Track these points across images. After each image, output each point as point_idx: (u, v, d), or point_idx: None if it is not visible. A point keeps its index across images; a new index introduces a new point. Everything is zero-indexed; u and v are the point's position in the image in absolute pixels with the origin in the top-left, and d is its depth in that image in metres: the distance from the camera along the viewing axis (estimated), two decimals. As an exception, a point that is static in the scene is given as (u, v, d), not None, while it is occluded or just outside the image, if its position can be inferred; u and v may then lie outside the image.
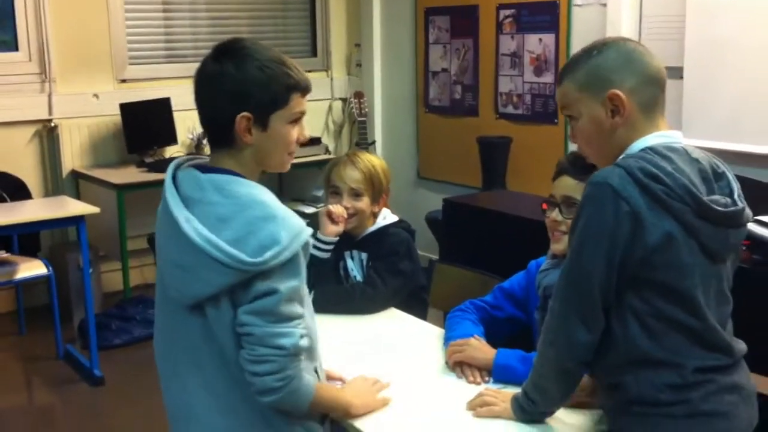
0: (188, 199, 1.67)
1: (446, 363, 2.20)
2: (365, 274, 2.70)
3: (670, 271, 1.61)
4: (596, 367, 1.76)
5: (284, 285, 1.63)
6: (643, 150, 1.65)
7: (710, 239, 1.63)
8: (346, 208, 2.68)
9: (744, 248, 3.01)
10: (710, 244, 1.63)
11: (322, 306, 2.56)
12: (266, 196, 1.68)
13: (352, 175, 2.70)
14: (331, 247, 2.66)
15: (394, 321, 2.57)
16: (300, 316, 1.68)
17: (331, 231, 2.65)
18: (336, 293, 2.62)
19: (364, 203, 2.70)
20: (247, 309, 1.63)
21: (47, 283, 4.41)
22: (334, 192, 2.72)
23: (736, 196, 1.68)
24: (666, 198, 1.58)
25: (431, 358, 2.26)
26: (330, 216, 2.65)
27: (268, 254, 1.60)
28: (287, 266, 1.63)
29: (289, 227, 1.64)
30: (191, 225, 1.63)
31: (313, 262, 2.60)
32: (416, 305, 2.72)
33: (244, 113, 1.67)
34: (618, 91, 1.67)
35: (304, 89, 1.74)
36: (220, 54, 1.69)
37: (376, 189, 2.72)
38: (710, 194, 1.65)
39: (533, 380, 1.79)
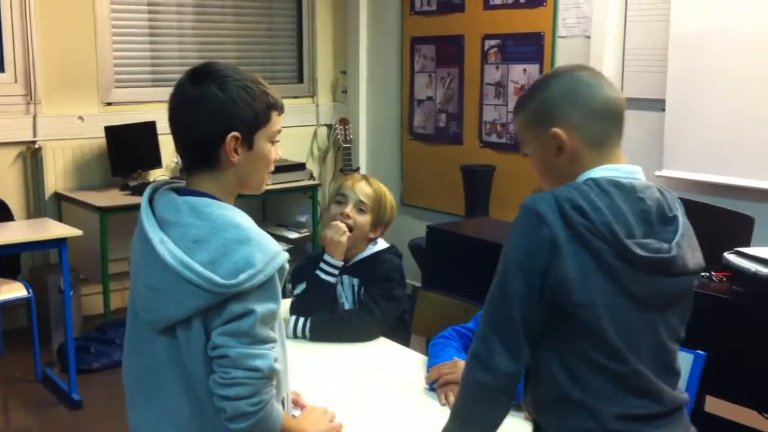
0: (163, 221, 1.67)
1: (427, 387, 2.21)
2: (356, 300, 2.68)
3: (586, 309, 1.52)
4: (528, 403, 1.72)
5: (260, 306, 1.62)
6: (585, 181, 1.58)
7: (633, 283, 1.54)
8: (347, 217, 2.67)
9: (724, 280, 3.04)
10: (634, 289, 1.54)
11: (318, 334, 2.55)
12: (242, 218, 1.68)
13: (363, 189, 2.71)
14: (337, 271, 2.65)
15: (376, 347, 2.56)
16: (274, 340, 1.67)
17: (341, 251, 2.64)
18: (332, 320, 2.59)
19: (364, 220, 2.69)
20: (222, 330, 1.61)
21: (27, 305, 4.37)
22: (339, 201, 2.71)
23: (673, 243, 1.58)
24: (586, 233, 1.51)
25: (414, 385, 2.26)
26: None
27: (242, 276, 1.59)
28: (263, 289, 1.63)
29: (265, 250, 1.64)
30: (165, 246, 1.62)
31: (320, 286, 2.61)
32: (400, 329, 2.72)
33: (234, 133, 1.68)
34: (558, 130, 1.60)
35: (281, 108, 1.77)
36: (199, 77, 1.70)
37: (380, 214, 2.71)
38: (647, 237, 1.56)
39: (454, 408, 1.67)
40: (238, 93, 1.68)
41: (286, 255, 1.69)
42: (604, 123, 1.62)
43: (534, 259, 1.53)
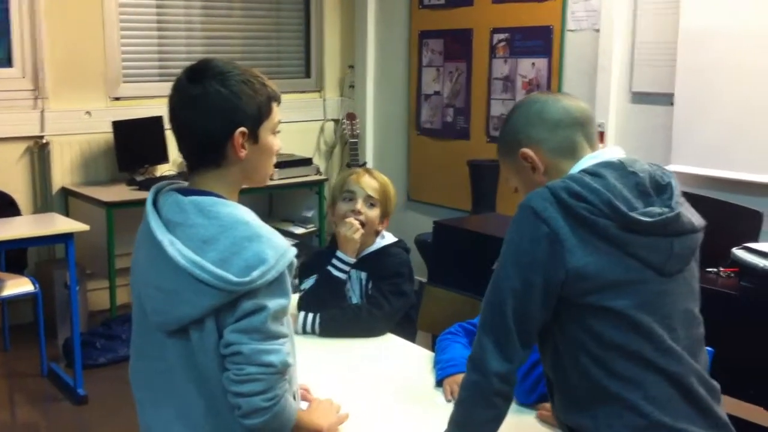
0: (170, 222, 1.67)
1: (436, 384, 2.19)
2: (364, 294, 2.67)
3: (603, 292, 1.54)
4: (553, 406, 1.72)
5: (272, 302, 1.62)
6: (577, 172, 1.62)
7: (648, 252, 1.56)
8: (358, 213, 2.65)
9: (732, 275, 3.01)
10: (650, 257, 1.57)
11: (328, 329, 2.53)
12: (249, 216, 1.68)
13: (370, 183, 2.69)
14: (349, 267, 2.63)
15: (382, 342, 2.55)
16: (285, 336, 1.67)
17: (354, 248, 2.62)
18: (342, 316, 2.57)
19: (374, 214, 2.68)
20: (234, 328, 1.61)
21: (33, 300, 4.38)
22: (349, 198, 2.69)
23: (673, 203, 1.61)
24: (590, 216, 1.54)
25: (420, 381, 2.24)
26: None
27: (255, 273, 1.59)
28: (274, 285, 1.63)
29: (275, 246, 1.64)
30: (175, 248, 1.62)
31: (331, 282, 2.60)
32: (406, 324, 2.71)
33: (241, 128, 1.68)
34: (525, 150, 1.68)
35: (279, 99, 1.77)
36: (199, 75, 1.69)
37: (387, 205, 2.71)
38: (648, 206, 1.58)
39: (452, 412, 1.69)
40: (240, 88, 1.67)
41: (295, 250, 1.69)
42: (568, 130, 1.68)
43: (533, 256, 1.54)
